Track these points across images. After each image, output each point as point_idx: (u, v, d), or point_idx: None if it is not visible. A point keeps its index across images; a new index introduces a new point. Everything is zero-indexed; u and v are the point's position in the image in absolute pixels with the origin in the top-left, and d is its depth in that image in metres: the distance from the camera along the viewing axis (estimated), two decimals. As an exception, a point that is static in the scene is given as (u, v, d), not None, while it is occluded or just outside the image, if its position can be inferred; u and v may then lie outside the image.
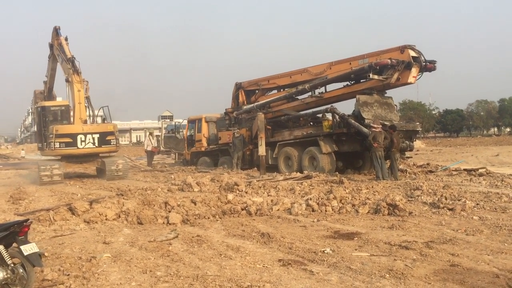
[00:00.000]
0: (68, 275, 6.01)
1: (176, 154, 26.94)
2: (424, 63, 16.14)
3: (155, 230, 8.89)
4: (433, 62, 16.38)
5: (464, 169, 16.37)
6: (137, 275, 6.02)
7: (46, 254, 7.05)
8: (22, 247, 5.32)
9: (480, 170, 15.68)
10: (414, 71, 16.04)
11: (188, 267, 6.34)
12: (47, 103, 20.75)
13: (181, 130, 26.13)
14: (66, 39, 20.35)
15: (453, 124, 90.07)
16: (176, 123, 28.20)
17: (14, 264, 5.38)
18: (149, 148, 25.57)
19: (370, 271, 5.90)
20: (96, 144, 18.99)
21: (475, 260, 6.23)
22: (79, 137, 18.67)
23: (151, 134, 25.10)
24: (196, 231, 8.67)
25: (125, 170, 19.50)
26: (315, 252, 6.89)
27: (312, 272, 5.94)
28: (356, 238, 7.73)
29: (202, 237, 8.10)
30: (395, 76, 15.92)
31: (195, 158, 23.38)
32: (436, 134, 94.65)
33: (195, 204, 10.71)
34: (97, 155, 19.94)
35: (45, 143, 19.59)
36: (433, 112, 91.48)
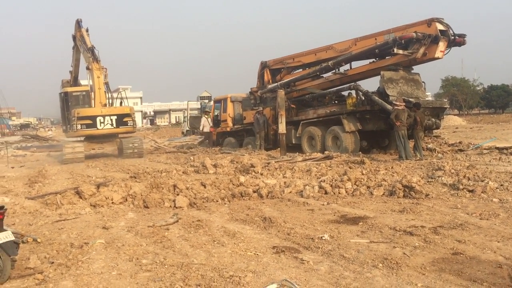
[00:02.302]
0: (52, 262, 5.91)
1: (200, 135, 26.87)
2: (452, 37, 15.37)
3: (159, 214, 8.76)
4: (462, 36, 15.60)
5: (496, 148, 15.62)
6: (122, 262, 5.87)
7: (39, 240, 6.99)
8: (-4, 235, 5.23)
9: (513, 148, 14.91)
10: (442, 45, 15.30)
11: (177, 254, 6.16)
12: (70, 89, 22.72)
13: (207, 110, 26.07)
14: (87, 30, 22.36)
15: (498, 100, 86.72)
16: (202, 103, 28.15)
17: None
18: (206, 129, 24.23)
19: (364, 259, 5.57)
20: (114, 125, 20.83)
21: (482, 248, 5.81)
22: (98, 119, 20.52)
23: (207, 113, 24.12)
24: (199, 215, 8.48)
25: (141, 148, 21.26)
26: (312, 238, 6.59)
27: (303, 260, 5.65)
28: (362, 223, 7.38)
29: (203, 221, 7.91)
30: (421, 50, 15.24)
31: (221, 138, 23.26)
32: (481, 110, 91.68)
33: (204, 187, 10.54)
34: (115, 136, 21.66)
35: (68, 126, 21.42)
36: (477, 88, 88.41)
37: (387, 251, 5.84)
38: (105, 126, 20.62)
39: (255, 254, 6.03)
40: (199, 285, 5.01)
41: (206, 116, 24.63)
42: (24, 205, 9.65)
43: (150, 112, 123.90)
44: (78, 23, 22.55)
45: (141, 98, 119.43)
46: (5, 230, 5.36)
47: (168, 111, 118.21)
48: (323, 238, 6.56)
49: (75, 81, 24.66)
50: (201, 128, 24.14)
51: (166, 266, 5.65)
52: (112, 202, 9.64)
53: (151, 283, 5.13)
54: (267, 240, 6.70)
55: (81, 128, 20.39)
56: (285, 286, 4.78)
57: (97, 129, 20.55)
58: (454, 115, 61.22)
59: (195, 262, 5.77)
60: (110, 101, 22.27)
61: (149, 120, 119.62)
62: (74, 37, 23.21)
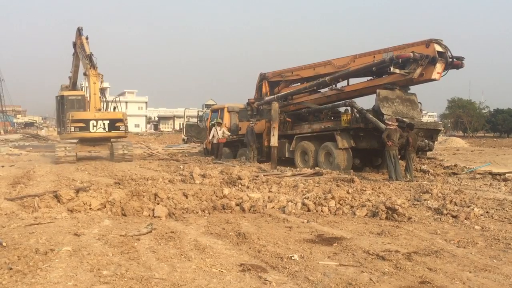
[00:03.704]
0: (11, 269, 5.77)
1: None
2: (450, 59, 15.27)
3: (135, 223, 8.61)
4: (460, 58, 15.51)
5: (490, 173, 15.45)
6: (81, 273, 5.73)
7: (4, 244, 6.86)
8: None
9: (506, 175, 14.72)
10: (439, 66, 15.20)
11: (141, 267, 6.01)
12: (66, 93, 23.54)
13: (204, 119, 25.99)
14: (87, 38, 23.16)
15: (504, 124, 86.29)
16: (200, 112, 28.11)
17: None
18: (215, 140, 22.74)
19: (328, 284, 5.41)
20: (106, 129, 21.55)
21: (451, 278, 5.64)
22: (91, 122, 21.25)
23: (218, 124, 22.76)
24: (175, 227, 8.35)
25: (130, 153, 22.10)
26: (282, 257, 6.44)
27: (266, 280, 5.51)
28: (336, 244, 7.23)
29: (176, 233, 7.77)
30: (418, 71, 15.14)
31: (216, 148, 23.13)
32: (486, 133, 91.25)
33: (186, 197, 10.42)
34: (107, 139, 22.37)
35: (63, 128, 22.12)
36: (483, 111, 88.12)
37: (354, 276, 5.68)
38: (98, 129, 21.34)
39: (219, 271, 5.89)
40: (153, 301, 4.87)
41: (217, 126, 22.89)
42: (1, 206, 9.53)
43: (154, 117, 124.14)
44: (79, 31, 23.60)
45: (146, 102, 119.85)
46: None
47: (172, 117, 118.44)
48: (292, 258, 6.41)
49: (73, 87, 25.83)
50: (209, 138, 23.30)
51: (125, 279, 5.51)
52: (90, 208, 9.49)
53: (105, 297, 5.00)
54: (236, 256, 6.56)
55: (74, 131, 21.11)
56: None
57: (90, 132, 21.28)
58: (458, 137, 60.88)
59: (156, 276, 5.63)
60: (105, 106, 23.39)
61: (153, 125, 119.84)
62: (74, 44, 24.32)
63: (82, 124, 21.12)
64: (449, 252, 6.73)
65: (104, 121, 21.48)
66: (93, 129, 21.22)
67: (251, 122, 20.38)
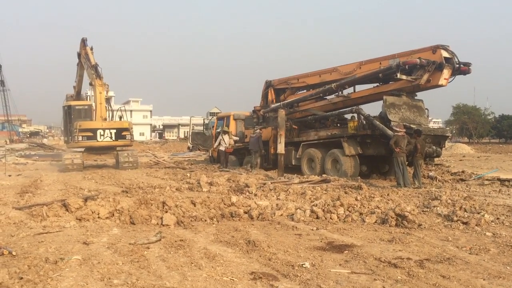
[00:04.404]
0: (21, 278, 5.73)
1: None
2: (457, 65, 15.21)
3: (144, 232, 8.58)
4: (467, 64, 15.45)
5: (498, 179, 15.35)
6: (92, 282, 5.69)
7: (14, 253, 6.84)
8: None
9: (515, 181, 14.64)
10: (446, 72, 15.14)
11: (151, 275, 5.97)
12: (73, 103, 23.98)
13: (210, 127, 26.01)
14: (91, 48, 23.84)
15: (509, 130, 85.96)
16: (205, 120, 28.15)
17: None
18: (221, 148, 22.37)
19: (340, 292, 5.37)
20: (113, 138, 22.00)
21: (466, 285, 5.57)
22: (98, 131, 21.70)
23: (226, 132, 22.44)
24: (184, 235, 8.31)
25: (135, 161, 22.47)
26: (293, 265, 6.38)
27: (278, 289, 5.46)
28: (347, 251, 7.16)
29: (186, 241, 7.73)
30: (425, 77, 15.09)
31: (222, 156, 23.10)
32: (491, 140, 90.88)
33: (194, 205, 10.36)
34: (113, 148, 22.73)
35: (70, 137, 22.43)
36: (489, 117, 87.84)
37: (367, 284, 5.62)
38: (105, 138, 21.80)
39: (230, 279, 5.84)
40: (165, 310, 4.82)
41: (224, 134, 22.46)
42: (9, 215, 9.52)
43: (159, 125, 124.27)
44: (83, 42, 23.94)
45: (151, 111, 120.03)
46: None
47: (177, 126, 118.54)
48: (304, 265, 6.35)
49: (78, 96, 26.04)
50: (215, 145, 23.22)
51: (136, 288, 5.47)
52: (98, 217, 9.46)
53: (117, 306, 4.96)
54: (247, 264, 6.50)
55: (82, 140, 21.57)
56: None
57: (97, 141, 21.72)
58: (464, 143, 60.66)
59: (167, 285, 5.59)
60: (110, 115, 23.85)
61: (158, 134, 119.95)
62: (79, 55, 24.60)
63: (89, 133, 21.55)
64: (461, 259, 6.65)
65: (111, 130, 21.91)
66: (100, 138, 21.66)
67: (255, 129, 20.34)
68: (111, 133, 21.85)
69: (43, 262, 6.45)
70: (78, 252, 7.03)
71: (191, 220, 9.47)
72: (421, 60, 14.99)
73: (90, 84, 23.61)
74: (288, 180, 14.68)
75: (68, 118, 23.08)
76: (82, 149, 22.30)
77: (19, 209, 10.25)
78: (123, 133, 22.37)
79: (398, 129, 14.05)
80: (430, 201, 11.10)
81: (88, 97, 27.27)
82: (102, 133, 21.66)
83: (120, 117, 24.18)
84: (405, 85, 15.79)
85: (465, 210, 9.92)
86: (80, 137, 21.47)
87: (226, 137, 22.10)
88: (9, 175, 18.89)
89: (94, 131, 21.69)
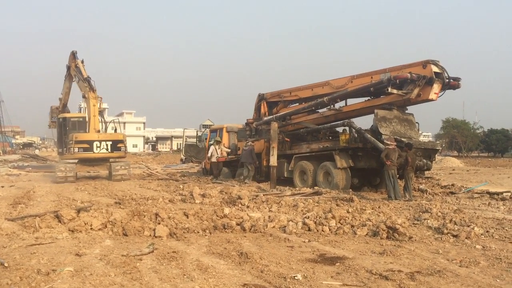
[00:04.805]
0: (13, 290, 5.69)
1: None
2: (447, 80, 15.33)
3: (136, 243, 8.53)
4: (457, 79, 15.57)
5: (487, 192, 15.41)
6: (84, 293, 5.65)
7: (6, 264, 6.78)
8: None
9: (504, 194, 14.67)
10: (436, 87, 15.25)
11: (143, 287, 5.93)
12: (68, 115, 24.04)
13: (203, 139, 26.01)
14: (82, 61, 23.91)
15: (498, 144, 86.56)
16: (198, 132, 28.15)
17: None
18: (213, 159, 22.48)
19: (333, 304, 5.35)
20: (109, 150, 22.20)
21: (456, 298, 5.59)
22: (95, 143, 21.90)
23: (218, 143, 22.64)
24: (177, 246, 8.27)
25: (128, 173, 22.62)
26: (285, 277, 6.36)
27: (270, 301, 5.44)
28: (339, 264, 7.15)
29: (178, 253, 7.69)
30: (416, 91, 15.18)
31: (215, 168, 23.07)
32: (480, 153, 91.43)
33: (187, 217, 10.33)
34: (107, 160, 22.88)
35: (65, 148, 22.49)
36: (477, 131, 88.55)
37: (358, 296, 5.61)
38: (101, 150, 21.97)
39: (223, 291, 5.81)
40: (157, 322, 4.79)
41: (216, 145, 22.65)
42: (2, 226, 9.45)
43: (152, 137, 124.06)
44: (74, 55, 24.08)
45: (144, 123, 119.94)
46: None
47: (170, 138, 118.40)
48: (296, 278, 6.33)
49: (63, 108, 26.10)
50: (208, 155, 23.08)
51: (128, 300, 5.44)
52: (91, 228, 9.40)
53: (109, 318, 4.92)
54: (239, 276, 6.47)
55: (78, 151, 21.71)
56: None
57: (93, 152, 21.90)
58: (453, 156, 60.96)
59: (159, 296, 5.55)
60: (104, 127, 24.01)
61: (151, 146, 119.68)
62: (68, 67, 24.71)
63: (86, 145, 21.75)
64: (452, 272, 6.66)
65: (107, 142, 22.16)
66: (96, 149, 21.86)
67: (247, 142, 20.33)
68: (107, 145, 22.07)
69: (35, 273, 6.40)
70: (70, 263, 6.97)
71: (183, 232, 9.43)
72: (411, 74, 15.11)
73: (83, 96, 23.77)
74: (280, 192, 14.69)
75: (64, 130, 23.04)
76: (76, 161, 22.40)
77: (12, 220, 10.18)
78: (118, 145, 22.61)
79: (389, 142, 14.11)
80: (421, 213, 11.13)
81: (82, 109, 27.04)
82: (98, 145, 21.86)
83: (115, 130, 24.29)
84: (396, 99, 15.88)
85: (455, 223, 9.94)
86: (76, 148, 21.58)
87: (217, 147, 22.22)
88: (2, 186, 18.77)
89: (90, 143, 21.86)
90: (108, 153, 22.31)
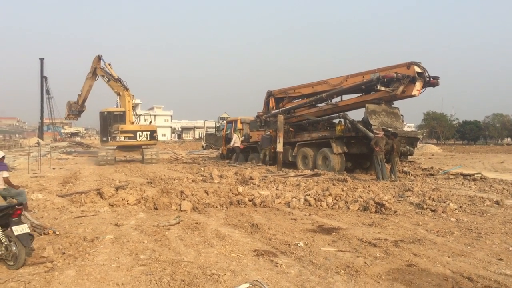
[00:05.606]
0: (64, 253, 5.78)
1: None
2: (428, 79, 15.18)
3: (165, 216, 8.60)
4: (436, 78, 15.40)
5: (461, 174, 15.31)
6: (122, 257, 5.73)
7: (57, 232, 6.88)
8: (13, 228, 5.13)
9: (475, 175, 14.57)
10: (418, 85, 15.10)
11: (172, 252, 6.00)
12: (111, 109, 24.61)
13: (221, 129, 26.05)
14: (109, 64, 24.01)
15: (471, 134, 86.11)
16: (217, 124, 28.21)
17: (10, 242, 5.20)
18: (236, 145, 22.50)
19: (329, 266, 5.38)
20: (148, 138, 23.38)
21: (433, 262, 5.59)
22: (138, 133, 23.13)
23: (240, 132, 22.95)
24: (199, 219, 8.32)
25: (157, 157, 23.27)
26: (289, 244, 6.40)
27: (277, 263, 5.47)
28: (334, 233, 7.17)
29: (200, 224, 7.75)
30: (401, 88, 15.06)
31: (230, 153, 23.15)
32: (456, 141, 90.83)
33: (207, 194, 10.39)
34: (140, 146, 23.63)
35: (109, 137, 23.19)
36: (454, 123, 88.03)
37: (351, 260, 5.64)
38: (142, 138, 23.15)
39: (237, 255, 5.86)
40: (183, 280, 4.85)
41: (238, 133, 22.87)
42: (54, 201, 9.59)
43: (178, 128, 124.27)
44: (99, 58, 24.19)
45: (171, 116, 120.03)
46: (23, 223, 5.26)
47: (193, 128, 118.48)
48: (298, 245, 6.37)
49: (83, 104, 26.48)
50: (231, 143, 22.88)
51: (159, 262, 5.50)
52: (128, 203, 9.51)
53: (143, 276, 4.99)
54: (251, 243, 6.52)
55: (123, 139, 22.82)
56: (256, 286, 4.61)
57: (137, 140, 23.05)
58: (432, 144, 60.52)
59: (184, 260, 5.61)
60: (138, 119, 24.90)
61: (177, 135, 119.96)
62: (94, 69, 24.69)
63: (131, 134, 22.89)
64: (430, 240, 6.66)
65: (146, 132, 23.35)
66: (139, 138, 23.01)
67: (266, 131, 20.34)
68: (146, 134, 23.21)
69: (82, 240, 6.51)
70: (110, 232, 7.07)
71: (204, 207, 9.49)
72: (397, 74, 14.99)
73: (118, 94, 24.20)
74: (285, 174, 14.70)
75: (108, 121, 23.46)
76: (114, 147, 22.98)
77: (62, 196, 10.32)
78: (154, 134, 23.74)
79: (377, 132, 14.05)
80: (404, 192, 11.09)
81: (117, 104, 27.10)
82: (140, 134, 23.01)
83: (150, 122, 25.12)
84: (384, 95, 15.75)
85: (433, 200, 9.91)
86: (122, 137, 22.59)
87: (239, 135, 22.54)
88: (53, 168, 18.96)
89: (134, 132, 22.99)
90: (147, 141, 23.36)
